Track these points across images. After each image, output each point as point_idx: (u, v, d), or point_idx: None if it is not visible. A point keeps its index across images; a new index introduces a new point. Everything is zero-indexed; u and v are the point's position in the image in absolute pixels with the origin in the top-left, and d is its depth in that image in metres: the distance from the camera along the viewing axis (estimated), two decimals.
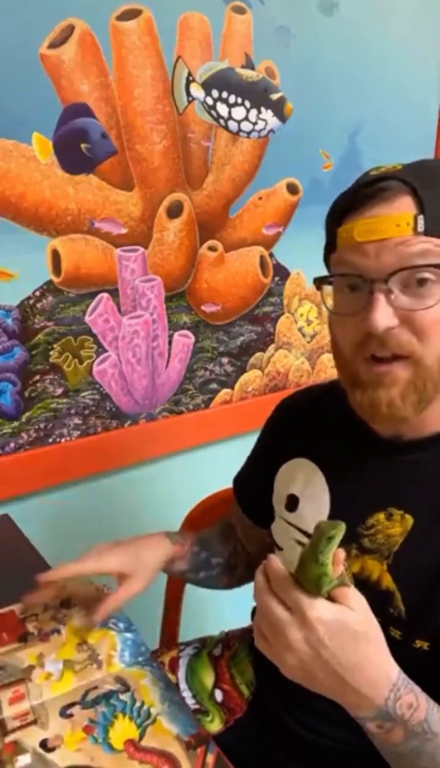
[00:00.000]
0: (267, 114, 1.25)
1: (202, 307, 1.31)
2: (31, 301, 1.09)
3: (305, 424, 0.81)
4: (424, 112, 1.54)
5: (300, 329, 1.50)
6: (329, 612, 0.50)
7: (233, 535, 0.95)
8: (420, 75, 1.48)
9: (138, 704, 0.67)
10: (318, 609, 0.50)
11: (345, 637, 0.51)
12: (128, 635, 0.76)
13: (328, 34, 1.29)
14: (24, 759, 0.61)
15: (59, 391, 1.16)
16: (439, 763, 0.53)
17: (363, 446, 0.71)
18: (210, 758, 0.62)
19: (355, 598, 0.52)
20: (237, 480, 0.95)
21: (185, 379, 1.33)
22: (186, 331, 1.30)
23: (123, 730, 0.64)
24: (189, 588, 1.14)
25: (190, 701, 0.86)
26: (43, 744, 0.62)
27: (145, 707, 0.67)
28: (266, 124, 1.26)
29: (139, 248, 1.18)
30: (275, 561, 0.54)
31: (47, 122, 1.02)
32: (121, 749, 0.61)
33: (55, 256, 1.09)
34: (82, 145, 1.06)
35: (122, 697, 0.68)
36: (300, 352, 1.52)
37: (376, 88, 1.41)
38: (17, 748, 0.62)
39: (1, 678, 0.69)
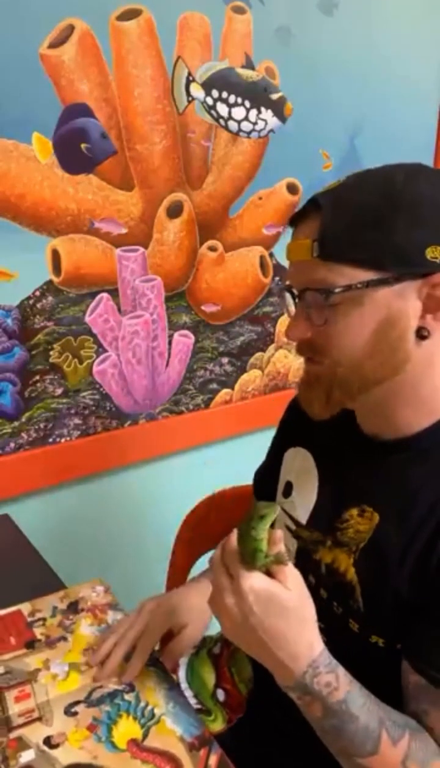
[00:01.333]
0: (267, 114, 1.25)
1: (202, 307, 1.31)
2: (31, 301, 1.09)
3: (307, 416, 0.83)
4: (424, 111, 1.54)
5: None
6: (260, 583, 0.56)
7: None
8: (420, 75, 1.48)
9: (142, 704, 0.67)
10: (251, 580, 0.56)
11: (272, 608, 0.55)
12: None
13: (328, 34, 1.29)
14: (27, 755, 0.61)
15: (59, 391, 1.16)
16: (357, 746, 0.57)
17: (349, 443, 0.73)
18: (213, 760, 0.62)
19: (291, 577, 0.57)
20: (256, 474, 0.96)
21: (185, 379, 1.33)
22: (186, 331, 1.30)
23: (126, 729, 0.64)
24: None
25: (192, 701, 0.86)
26: (47, 741, 0.62)
27: (149, 707, 0.67)
28: (266, 124, 1.26)
29: (139, 248, 1.18)
30: (231, 536, 0.59)
31: (47, 122, 1.02)
32: (124, 748, 0.62)
33: (55, 256, 1.09)
34: (82, 145, 1.06)
35: (127, 697, 0.68)
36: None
37: (376, 87, 1.41)
38: (21, 744, 0.62)
39: (7, 680, 0.69)
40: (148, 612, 0.77)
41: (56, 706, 0.66)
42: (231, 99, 1.20)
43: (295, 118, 1.29)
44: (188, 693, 0.88)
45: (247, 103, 1.22)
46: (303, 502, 0.76)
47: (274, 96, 1.25)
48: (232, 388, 1.42)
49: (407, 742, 0.57)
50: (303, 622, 0.57)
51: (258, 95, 1.23)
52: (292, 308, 0.68)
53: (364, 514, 0.68)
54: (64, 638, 0.76)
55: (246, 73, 1.21)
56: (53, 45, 0.99)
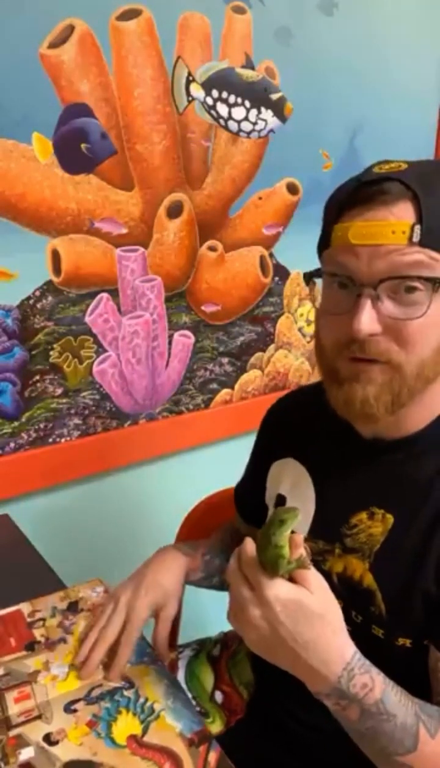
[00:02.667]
0: (267, 114, 1.25)
1: (202, 307, 1.31)
2: (31, 301, 1.09)
3: (292, 425, 0.82)
4: (424, 111, 1.54)
5: (300, 329, 1.50)
6: (285, 591, 0.54)
7: (241, 537, 0.96)
8: (420, 75, 1.48)
9: (142, 700, 0.67)
10: (275, 588, 0.54)
11: (301, 615, 0.54)
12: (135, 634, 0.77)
13: (328, 34, 1.29)
14: (27, 752, 0.61)
15: (59, 391, 1.16)
16: (397, 744, 0.55)
17: (346, 447, 0.72)
18: (212, 756, 0.62)
19: (315, 581, 0.55)
20: (237, 489, 0.95)
21: (185, 379, 1.33)
22: (186, 331, 1.30)
23: (126, 725, 0.64)
24: (187, 590, 1.14)
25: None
26: (47, 738, 0.62)
27: (149, 703, 0.67)
28: (266, 124, 1.26)
29: (139, 248, 1.18)
30: (247, 545, 0.57)
31: (47, 122, 1.02)
32: (124, 744, 0.61)
33: (55, 256, 1.09)
34: (82, 145, 1.06)
35: (126, 693, 0.68)
36: (300, 352, 1.52)
37: (376, 87, 1.41)
38: (20, 741, 0.62)
39: (7, 681, 0.69)
40: (124, 605, 0.75)
41: (56, 704, 0.66)
42: (232, 99, 1.20)
43: (295, 118, 1.29)
44: (187, 695, 0.88)
45: (247, 103, 1.22)
46: (302, 514, 0.73)
47: (274, 96, 1.25)
48: (232, 388, 1.42)
49: None
50: (332, 625, 0.55)
51: (258, 95, 1.23)
52: (319, 297, 0.64)
53: (375, 516, 0.67)
54: (64, 640, 0.76)
55: (246, 73, 1.21)
56: (53, 45, 0.99)
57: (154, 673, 0.71)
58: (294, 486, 0.76)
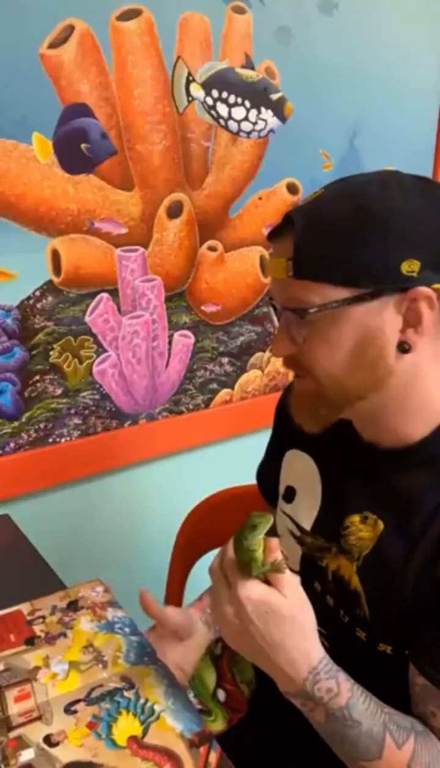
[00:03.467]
0: (267, 114, 1.25)
1: (202, 307, 1.31)
2: (31, 301, 1.09)
3: None
4: (424, 111, 1.54)
5: None
6: (257, 592, 0.56)
7: None
8: (420, 75, 1.48)
9: (142, 701, 0.67)
10: (248, 589, 0.56)
11: (270, 617, 0.55)
12: (134, 638, 0.76)
13: (328, 34, 1.29)
14: (27, 753, 0.61)
15: (59, 391, 1.16)
16: (362, 750, 0.57)
17: (350, 449, 0.72)
18: (212, 757, 0.62)
19: (289, 585, 0.57)
20: (259, 470, 0.95)
21: (185, 379, 1.33)
22: (186, 331, 1.30)
23: (126, 726, 0.64)
24: (188, 589, 1.14)
25: (193, 701, 0.86)
26: (47, 739, 0.62)
27: (149, 704, 0.67)
28: (266, 124, 1.26)
29: (139, 248, 1.18)
30: (230, 546, 0.59)
31: (47, 122, 1.02)
32: (124, 745, 0.61)
33: (55, 256, 1.09)
34: (82, 145, 1.06)
35: (127, 694, 0.68)
36: None
37: (376, 88, 1.41)
38: (21, 743, 0.62)
39: (7, 678, 0.69)
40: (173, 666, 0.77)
41: (56, 705, 0.66)
42: (232, 99, 1.20)
43: (295, 118, 1.29)
44: (189, 693, 0.88)
45: (247, 103, 1.22)
46: (307, 508, 0.75)
47: (274, 96, 1.25)
48: (232, 388, 1.42)
49: (412, 745, 0.57)
50: (301, 629, 0.57)
51: (258, 95, 1.23)
52: (277, 323, 0.68)
53: (367, 521, 0.67)
54: (64, 634, 0.76)
55: (246, 73, 1.21)
56: (53, 45, 0.99)
57: (154, 673, 0.71)
58: (303, 480, 0.78)
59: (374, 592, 0.66)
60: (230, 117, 1.21)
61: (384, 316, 0.60)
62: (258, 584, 0.56)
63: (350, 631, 0.67)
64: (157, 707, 0.66)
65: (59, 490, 1.22)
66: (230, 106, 1.21)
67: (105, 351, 1.19)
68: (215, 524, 1.11)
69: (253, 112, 1.23)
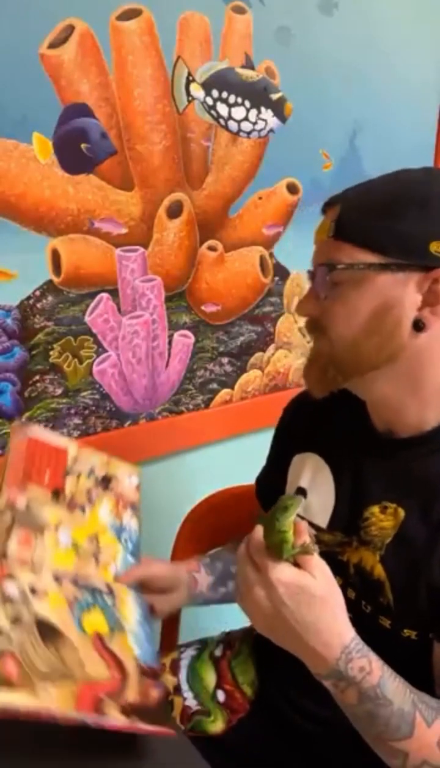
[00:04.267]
0: (267, 114, 1.25)
1: (202, 307, 1.31)
2: (31, 301, 1.09)
3: (314, 420, 0.85)
4: (424, 111, 1.54)
5: (300, 329, 1.50)
6: (288, 574, 0.57)
7: None
8: (420, 75, 1.48)
9: (115, 612, 0.68)
10: (279, 571, 0.57)
11: (302, 598, 0.56)
12: (131, 559, 0.78)
13: (328, 34, 1.29)
14: (11, 587, 0.62)
15: (59, 391, 1.16)
16: (393, 729, 0.57)
17: (363, 443, 0.74)
18: (155, 692, 0.63)
19: (318, 566, 0.58)
20: (259, 480, 0.97)
21: (185, 379, 1.33)
22: (186, 331, 1.30)
23: (96, 621, 0.65)
24: None
25: (192, 702, 0.87)
26: (32, 588, 0.63)
27: (120, 618, 0.68)
28: (266, 124, 1.26)
29: (139, 248, 1.18)
30: (256, 531, 0.60)
31: (47, 122, 1.02)
32: (90, 635, 0.63)
33: (55, 256, 1.09)
34: (82, 145, 1.06)
35: (106, 598, 0.69)
36: (300, 352, 1.52)
37: (376, 87, 1.41)
38: (10, 576, 0.63)
39: (21, 518, 0.69)
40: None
41: (47, 569, 0.67)
42: (232, 99, 1.20)
43: (295, 118, 1.29)
44: (188, 694, 0.88)
45: (247, 103, 1.22)
46: (322, 507, 0.76)
47: (274, 96, 1.25)
48: (232, 388, 1.42)
49: None
50: (332, 609, 0.58)
51: (258, 95, 1.23)
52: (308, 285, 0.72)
53: (387, 510, 0.69)
54: (83, 509, 0.76)
55: (246, 73, 1.21)
56: (53, 45, 0.99)
57: (132, 598, 0.72)
58: (314, 479, 0.79)
59: (398, 578, 0.67)
60: (230, 117, 1.21)
61: (405, 291, 0.63)
62: (289, 566, 0.57)
63: (373, 621, 0.69)
64: (125, 625, 0.67)
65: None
66: (230, 106, 1.20)
67: (105, 351, 1.19)
68: (215, 524, 1.11)
69: (253, 112, 1.23)
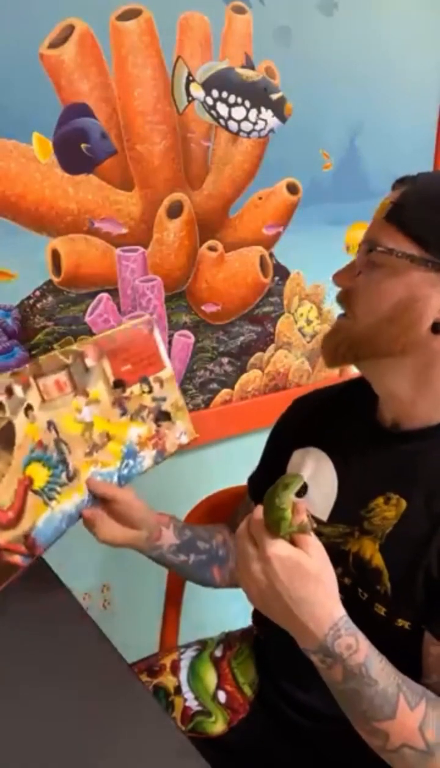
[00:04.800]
0: (267, 114, 1.25)
1: (202, 307, 1.31)
2: (31, 301, 1.09)
3: (317, 416, 0.86)
4: (424, 112, 1.54)
5: (300, 329, 1.50)
6: (285, 550, 0.59)
7: (222, 529, 0.98)
8: (420, 75, 1.48)
9: (57, 489, 0.73)
10: (276, 547, 0.59)
11: (296, 574, 0.58)
12: (114, 479, 0.81)
13: (328, 34, 1.29)
14: (19, 390, 0.67)
15: None
16: (376, 709, 0.58)
17: (367, 436, 0.76)
18: (15, 559, 0.69)
19: (313, 545, 0.60)
20: (252, 477, 0.98)
21: (185, 379, 1.33)
22: (186, 331, 1.30)
23: (40, 474, 0.71)
24: (188, 591, 1.14)
25: (193, 703, 0.87)
26: (29, 406, 0.68)
27: (55, 496, 0.72)
28: (266, 124, 1.26)
29: (139, 248, 1.18)
30: (257, 509, 0.61)
31: (47, 122, 1.02)
32: (25, 474, 0.69)
33: (55, 256, 1.09)
34: (82, 145, 1.06)
35: (62, 474, 0.73)
36: (300, 352, 1.52)
37: (376, 87, 1.41)
38: (25, 384, 0.69)
39: (75, 370, 0.74)
40: None
41: (50, 414, 0.71)
42: (232, 99, 1.20)
43: (295, 118, 1.29)
44: (189, 695, 0.88)
45: (247, 103, 1.22)
46: (323, 499, 0.78)
47: (274, 96, 1.25)
48: (232, 388, 1.42)
49: (424, 708, 0.59)
50: (325, 587, 0.59)
51: (258, 95, 1.23)
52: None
53: (390, 501, 0.70)
54: (124, 413, 0.79)
55: (246, 73, 1.21)
56: (53, 45, 0.99)
57: (79, 498, 0.77)
58: (316, 473, 0.80)
59: (397, 568, 0.68)
60: (230, 117, 1.21)
61: (433, 290, 0.64)
62: (285, 543, 0.59)
63: (369, 608, 0.70)
64: (53, 503, 0.72)
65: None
66: (230, 106, 1.20)
67: None
68: (215, 524, 1.11)
69: (253, 112, 1.23)
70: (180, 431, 0.85)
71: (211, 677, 0.90)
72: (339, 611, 0.60)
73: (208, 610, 1.34)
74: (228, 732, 0.84)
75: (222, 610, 1.25)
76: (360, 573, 0.71)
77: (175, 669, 0.92)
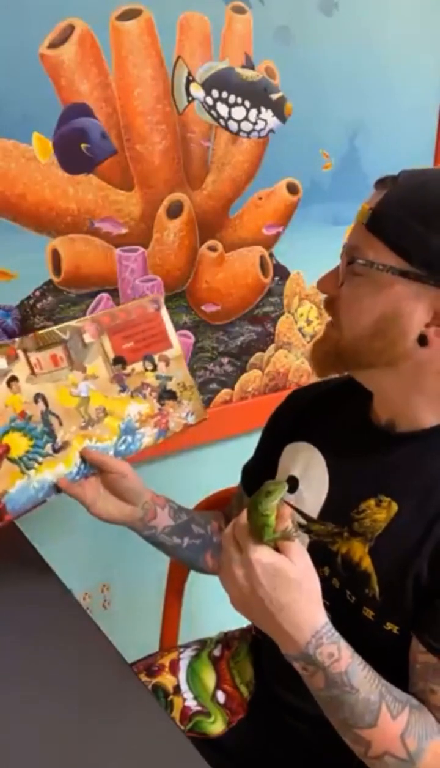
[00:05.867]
0: (267, 114, 1.25)
1: (202, 307, 1.31)
2: (31, 301, 1.09)
3: (312, 411, 0.85)
4: (424, 112, 1.54)
5: (300, 329, 1.50)
6: (267, 556, 0.58)
7: (219, 516, 0.99)
8: (420, 75, 1.48)
9: (38, 459, 0.74)
10: (259, 552, 0.58)
11: (279, 580, 0.58)
12: (110, 453, 0.82)
13: (328, 34, 1.29)
14: (3, 362, 0.69)
15: None
16: (357, 717, 0.58)
17: (361, 436, 0.75)
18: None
19: (297, 552, 0.59)
20: (245, 467, 0.97)
21: None
22: (186, 331, 1.30)
23: (18, 443, 0.72)
24: (188, 591, 1.14)
25: (192, 703, 0.87)
26: (13, 377, 0.70)
27: (33, 466, 0.74)
28: (266, 124, 1.26)
29: (139, 248, 1.18)
30: (243, 513, 0.61)
31: (47, 122, 1.02)
32: (2, 441, 0.71)
33: (55, 256, 1.09)
34: (82, 145, 1.06)
35: (47, 445, 0.74)
36: (300, 352, 1.52)
37: (376, 88, 1.40)
38: (14, 356, 0.70)
39: (72, 345, 0.75)
40: None
41: (41, 388, 0.72)
42: (232, 99, 1.20)
43: (295, 118, 1.29)
44: (188, 695, 0.88)
45: (247, 103, 1.22)
46: (314, 497, 0.77)
47: (274, 96, 1.25)
48: (232, 388, 1.42)
49: (406, 716, 0.59)
50: (308, 594, 0.59)
51: (258, 95, 1.23)
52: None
53: (381, 504, 0.69)
54: (123, 390, 0.79)
55: (246, 73, 1.21)
56: (53, 45, 0.99)
57: (64, 469, 0.78)
58: (307, 469, 0.79)
59: (386, 571, 0.67)
60: (230, 117, 1.21)
61: (417, 304, 0.62)
62: (268, 549, 0.59)
63: (357, 611, 0.69)
64: (31, 472, 0.73)
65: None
66: (230, 106, 1.20)
67: None
68: (212, 511, 1.10)
69: (253, 112, 1.23)
70: (186, 411, 0.85)
71: (209, 677, 0.90)
72: (322, 619, 0.59)
73: (208, 610, 1.34)
74: (227, 732, 0.84)
75: (222, 610, 1.25)
76: (349, 575, 0.70)
77: (174, 669, 0.92)
